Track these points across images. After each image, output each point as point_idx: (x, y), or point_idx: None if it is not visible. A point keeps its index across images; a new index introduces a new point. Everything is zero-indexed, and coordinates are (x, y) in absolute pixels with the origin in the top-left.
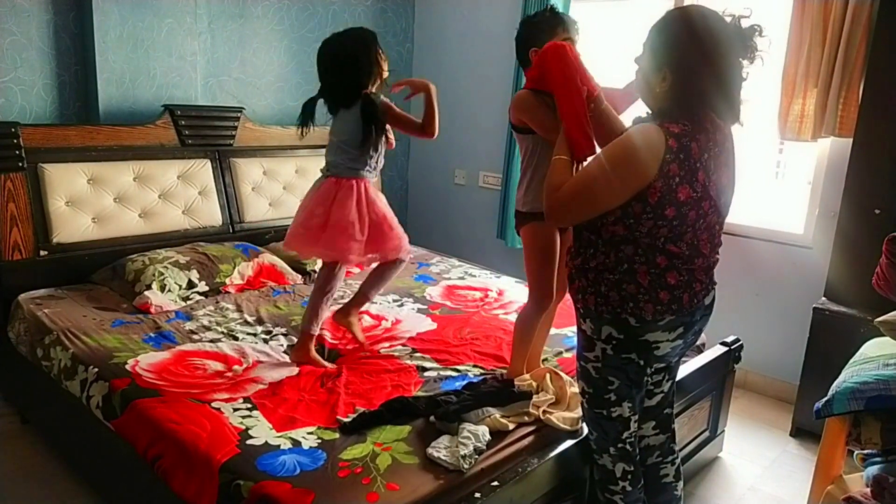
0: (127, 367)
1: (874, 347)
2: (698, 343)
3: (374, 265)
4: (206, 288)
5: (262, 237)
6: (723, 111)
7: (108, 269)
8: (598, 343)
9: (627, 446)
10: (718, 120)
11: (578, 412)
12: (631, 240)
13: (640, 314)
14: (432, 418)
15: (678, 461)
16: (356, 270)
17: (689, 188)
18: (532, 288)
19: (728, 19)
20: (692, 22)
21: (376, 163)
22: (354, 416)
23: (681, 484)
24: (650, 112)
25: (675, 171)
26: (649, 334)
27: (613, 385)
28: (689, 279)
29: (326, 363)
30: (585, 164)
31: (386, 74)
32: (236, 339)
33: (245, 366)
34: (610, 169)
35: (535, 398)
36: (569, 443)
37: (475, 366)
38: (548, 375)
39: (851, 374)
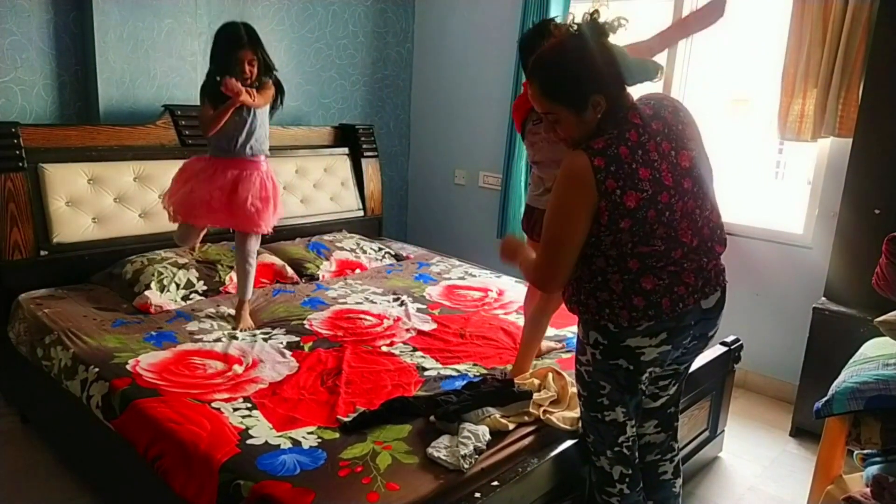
0: (128, 367)
1: (874, 347)
2: None
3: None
4: (206, 288)
5: (263, 237)
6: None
7: (107, 270)
8: (588, 348)
9: (624, 450)
10: (648, 111)
11: (578, 412)
12: (599, 254)
13: (616, 320)
14: (432, 418)
15: (678, 459)
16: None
17: (634, 193)
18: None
19: (581, 19)
20: (579, 39)
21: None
22: (355, 415)
23: (679, 481)
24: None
25: (612, 185)
26: (630, 340)
27: (605, 390)
28: (669, 283)
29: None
30: (542, 229)
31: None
32: (236, 338)
33: (245, 365)
34: (559, 218)
35: (536, 396)
36: (568, 443)
37: (475, 365)
38: (550, 374)
39: (851, 374)
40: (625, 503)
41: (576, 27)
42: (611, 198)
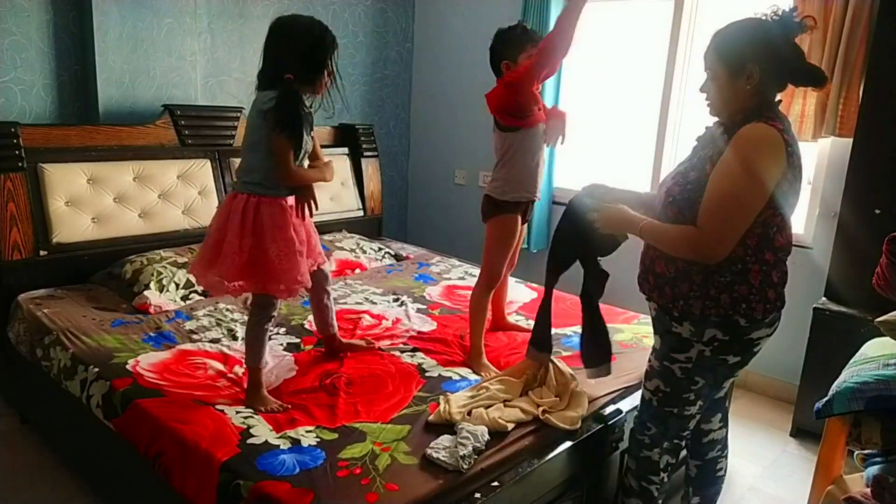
0: (128, 366)
1: (874, 347)
2: None
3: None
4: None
5: None
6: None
7: (107, 270)
8: (697, 345)
9: (682, 441)
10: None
11: (578, 411)
12: (738, 242)
13: (751, 314)
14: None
15: (728, 453)
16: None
17: (800, 175)
18: (486, 271)
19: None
20: (761, 20)
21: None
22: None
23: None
24: (721, 121)
25: (793, 163)
26: (755, 332)
27: (697, 385)
28: (784, 273)
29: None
30: (712, 187)
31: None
32: (236, 338)
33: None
34: (745, 179)
35: (535, 396)
36: (568, 443)
37: None
38: (552, 368)
39: (851, 374)
40: (662, 490)
41: (775, 15)
42: (794, 172)
